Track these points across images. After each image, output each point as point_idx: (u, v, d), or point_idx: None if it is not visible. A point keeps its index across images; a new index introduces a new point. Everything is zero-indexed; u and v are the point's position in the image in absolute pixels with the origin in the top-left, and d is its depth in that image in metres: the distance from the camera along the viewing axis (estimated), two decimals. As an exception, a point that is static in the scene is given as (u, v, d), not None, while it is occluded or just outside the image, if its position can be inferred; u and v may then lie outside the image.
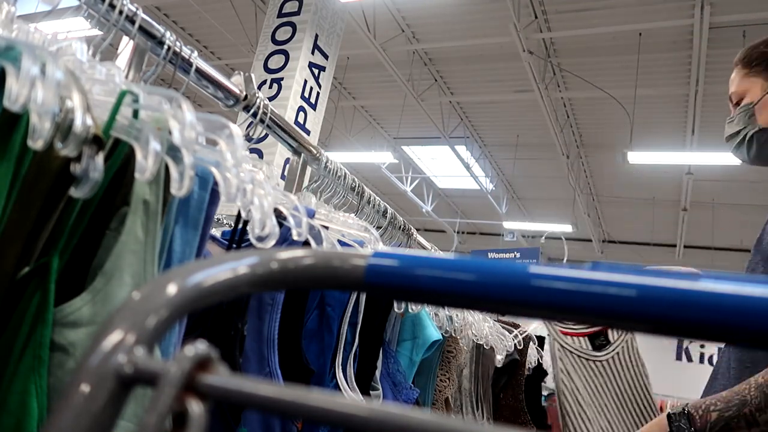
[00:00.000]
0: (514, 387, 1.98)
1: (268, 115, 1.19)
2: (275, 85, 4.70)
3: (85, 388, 0.24)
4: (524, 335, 2.06)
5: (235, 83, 1.12)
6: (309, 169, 1.42)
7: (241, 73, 1.16)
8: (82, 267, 0.57)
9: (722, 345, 0.88)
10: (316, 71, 4.89)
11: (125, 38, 0.91)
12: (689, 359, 10.31)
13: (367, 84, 8.14)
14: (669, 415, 0.91)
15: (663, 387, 8.21)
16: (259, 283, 0.31)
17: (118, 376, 0.24)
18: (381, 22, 6.38)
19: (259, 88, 3.86)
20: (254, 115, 1.16)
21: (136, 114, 0.58)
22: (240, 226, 0.88)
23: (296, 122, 4.61)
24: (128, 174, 0.58)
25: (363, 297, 1.06)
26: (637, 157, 6.74)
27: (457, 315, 1.45)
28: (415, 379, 1.34)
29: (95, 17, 0.85)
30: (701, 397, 1.03)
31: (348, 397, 0.35)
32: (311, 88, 4.83)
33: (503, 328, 1.97)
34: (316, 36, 4.93)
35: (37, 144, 0.48)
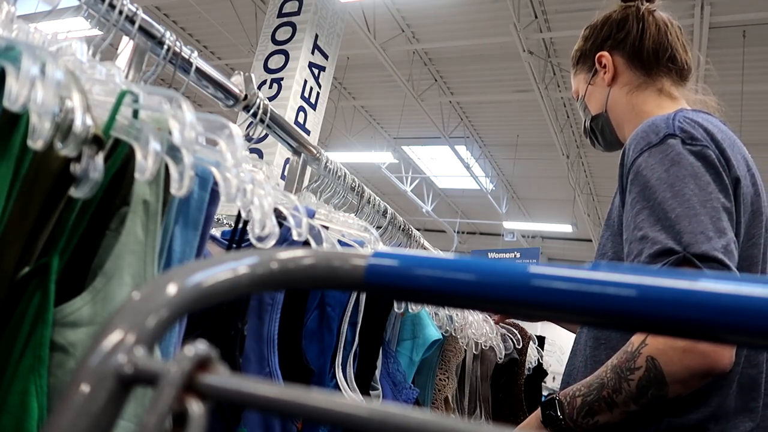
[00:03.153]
0: (513, 387, 1.98)
1: (268, 115, 1.19)
2: (275, 85, 4.71)
3: (85, 388, 0.24)
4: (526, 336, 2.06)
5: (235, 83, 1.13)
6: (309, 169, 1.42)
7: (241, 73, 1.16)
8: (82, 267, 0.57)
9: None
10: (316, 71, 4.89)
11: (125, 38, 0.91)
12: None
13: (367, 84, 8.14)
14: (542, 404, 0.94)
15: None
16: (259, 283, 0.31)
17: (118, 376, 0.24)
18: (381, 22, 6.38)
19: (259, 88, 3.86)
20: (254, 115, 1.16)
21: (136, 114, 0.58)
22: (240, 226, 0.88)
23: (296, 122, 4.61)
24: (128, 174, 0.58)
25: (363, 297, 1.06)
26: (637, 157, 6.71)
27: (457, 314, 1.45)
28: (414, 378, 1.34)
29: (95, 17, 0.85)
30: (563, 375, 1.05)
31: (348, 397, 0.35)
32: (311, 88, 4.83)
33: (503, 327, 1.97)
34: (316, 36, 4.93)
35: (37, 144, 0.48)
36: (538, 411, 0.95)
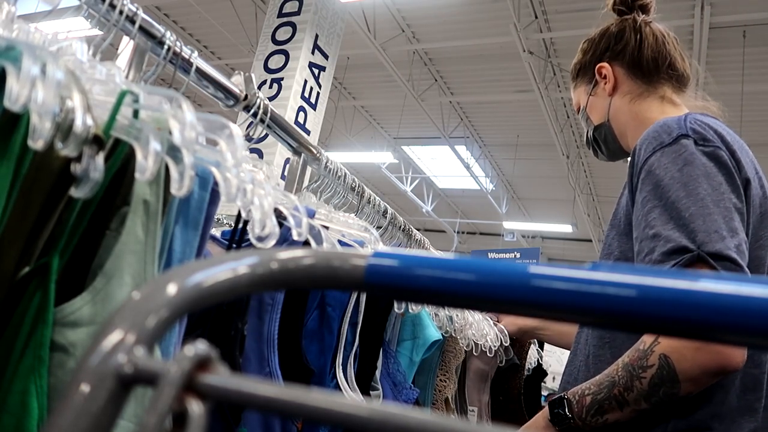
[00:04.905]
0: (512, 390, 1.97)
1: (268, 115, 1.19)
2: (275, 85, 4.71)
3: (85, 388, 0.24)
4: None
5: (235, 83, 1.12)
6: (309, 169, 1.42)
7: (241, 73, 1.16)
8: (82, 267, 0.57)
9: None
10: (316, 71, 4.89)
11: (125, 38, 0.91)
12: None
13: (367, 84, 8.14)
14: (550, 403, 0.94)
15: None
16: (259, 283, 0.31)
17: (118, 376, 0.24)
18: (381, 22, 6.38)
19: (259, 88, 3.86)
20: (254, 115, 1.16)
21: (136, 114, 0.58)
22: (240, 226, 0.88)
23: (296, 122, 4.61)
24: (128, 174, 0.58)
25: (363, 297, 1.06)
26: (637, 157, 6.71)
27: (457, 315, 1.45)
28: (415, 378, 1.34)
29: (95, 17, 0.85)
30: (563, 374, 1.06)
31: (348, 397, 0.35)
32: (311, 88, 4.83)
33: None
34: (316, 36, 4.93)
35: (37, 144, 0.48)
36: (545, 410, 0.94)
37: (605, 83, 1.18)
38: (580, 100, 1.25)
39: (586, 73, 1.22)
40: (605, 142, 1.21)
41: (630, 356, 0.85)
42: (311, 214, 0.93)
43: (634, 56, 1.14)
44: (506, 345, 1.76)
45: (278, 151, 4.30)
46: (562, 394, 0.93)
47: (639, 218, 0.90)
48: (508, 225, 10.29)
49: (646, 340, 0.84)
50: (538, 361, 2.27)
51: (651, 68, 1.14)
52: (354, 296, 1.03)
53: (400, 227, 1.62)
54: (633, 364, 0.84)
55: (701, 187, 0.85)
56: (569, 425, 0.90)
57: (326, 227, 1.00)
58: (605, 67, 1.17)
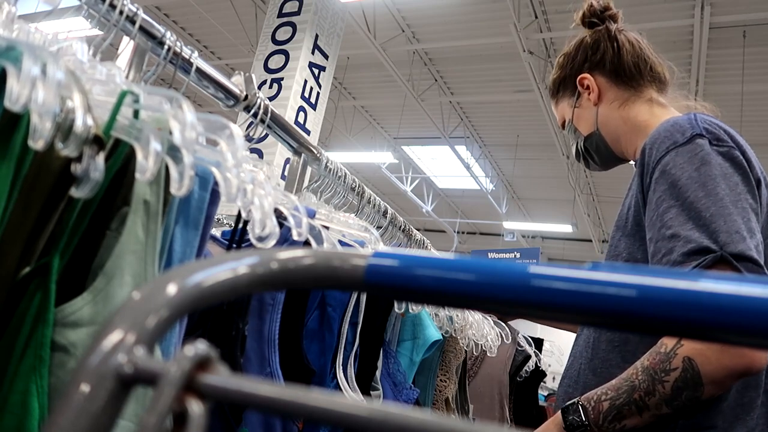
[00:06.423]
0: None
1: (269, 115, 1.19)
2: (275, 85, 4.70)
3: (85, 387, 0.24)
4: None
5: (235, 83, 1.12)
6: (309, 169, 1.42)
7: (242, 73, 1.16)
8: (82, 267, 0.57)
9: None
10: (316, 71, 4.89)
11: (126, 38, 0.91)
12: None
13: (367, 84, 8.14)
14: (563, 410, 0.91)
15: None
16: (259, 283, 0.31)
17: (118, 376, 0.24)
18: (381, 22, 6.38)
19: (259, 88, 3.86)
20: (254, 115, 1.16)
21: (136, 114, 0.58)
22: (240, 226, 0.88)
23: (296, 122, 4.61)
24: (129, 174, 0.58)
25: (363, 297, 1.06)
26: (637, 157, 6.72)
27: (457, 315, 1.45)
28: (415, 378, 1.34)
29: (96, 17, 0.85)
30: (562, 378, 1.04)
31: (348, 397, 0.35)
32: (311, 88, 4.83)
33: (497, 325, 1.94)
34: (316, 36, 4.93)
35: (38, 144, 0.48)
36: (557, 417, 0.91)
37: (589, 93, 1.18)
38: (565, 114, 1.25)
39: (566, 86, 1.23)
40: (597, 151, 1.21)
41: (650, 359, 0.83)
42: (311, 214, 0.93)
43: (614, 64, 1.15)
44: (525, 350, 1.74)
45: (278, 151, 4.30)
46: (576, 400, 0.90)
47: (653, 218, 0.88)
48: (508, 225, 10.29)
49: (668, 343, 0.82)
50: (536, 363, 2.27)
51: (633, 73, 1.14)
52: (354, 296, 1.03)
53: (400, 227, 1.62)
54: (654, 367, 0.81)
55: (719, 187, 0.84)
56: None
57: (326, 227, 1.00)
58: (587, 77, 1.18)
